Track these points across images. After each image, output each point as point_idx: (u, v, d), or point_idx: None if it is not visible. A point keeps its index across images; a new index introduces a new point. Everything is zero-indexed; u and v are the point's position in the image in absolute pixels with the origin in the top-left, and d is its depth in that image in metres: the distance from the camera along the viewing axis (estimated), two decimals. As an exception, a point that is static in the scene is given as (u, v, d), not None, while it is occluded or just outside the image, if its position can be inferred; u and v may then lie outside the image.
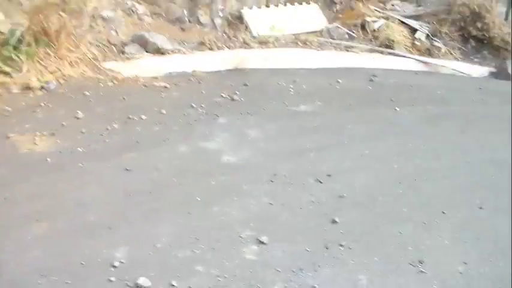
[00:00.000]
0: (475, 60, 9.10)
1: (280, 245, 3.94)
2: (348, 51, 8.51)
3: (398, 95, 6.91)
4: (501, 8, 9.65)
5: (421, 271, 3.88)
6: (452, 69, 8.61)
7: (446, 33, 9.23)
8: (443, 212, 4.63)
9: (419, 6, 9.93)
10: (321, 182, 4.80)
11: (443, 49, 9.10)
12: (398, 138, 5.84)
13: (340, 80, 7.09)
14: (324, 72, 7.36)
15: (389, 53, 8.70)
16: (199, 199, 4.36)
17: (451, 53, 9.05)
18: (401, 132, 6.02)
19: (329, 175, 4.92)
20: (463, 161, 5.67)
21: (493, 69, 8.93)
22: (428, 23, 9.47)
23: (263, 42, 7.94)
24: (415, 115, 6.52)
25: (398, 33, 9.05)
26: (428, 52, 9.00)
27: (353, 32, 9.04)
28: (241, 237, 3.98)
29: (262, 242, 3.93)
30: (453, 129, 6.40)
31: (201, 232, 3.99)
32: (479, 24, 9.06)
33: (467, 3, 9.09)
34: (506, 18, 9.62)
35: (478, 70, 8.88)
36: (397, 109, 6.56)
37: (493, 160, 5.79)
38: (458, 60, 8.99)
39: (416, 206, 4.66)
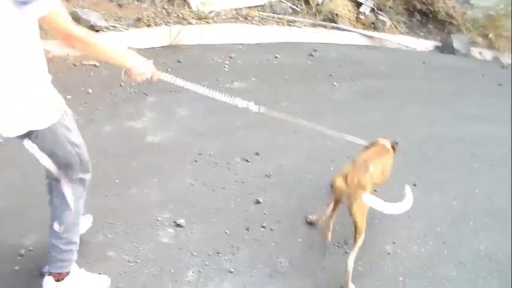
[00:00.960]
0: (421, 34, 9.06)
1: (198, 227, 3.79)
2: (290, 25, 8.31)
3: (338, 70, 6.79)
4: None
5: (346, 252, 3.77)
6: (397, 43, 8.53)
7: (391, 7, 9.15)
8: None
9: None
10: (247, 161, 4.65)
11: (389, 23, 9.01)
12: (335, 114, 5.72)
13: (278, 56, 6.91)
14: (263, 48, 7.16)
15: (333, 28, 8.55)
16: (117, 181, 4.15)
17: (396, 27, 8.98)
18: (338, 108, 5.91)
19: (257, 153, 4.77)
20: (401, 137, 5.58)
21: (438, 44, 8.91)
22: (374, -4, 9.35)
23: (202, 18, 7.68)
24: (354, 90, 6.41)
25: (343, 7, 8.90)
26: (373, 26, 8.89)
27: (297, 6, 8.85)
28: (158, 220, 3.81)
29: (179, 225, 3.77)
30: (393, 104, 6.33)
31: (116, 215, 3.79)
32: (422, -2, 9.00)
33: (414, -24, 9.01)
34: None
35: (423, 44, 8.85)
36: (336, 84, 6.44)
37: (431, 136, 5.75)
38: (403, 34, 8.93)
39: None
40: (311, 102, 5.91)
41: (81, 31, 2.32)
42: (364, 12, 9.02)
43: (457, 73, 7.79)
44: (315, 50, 7.30)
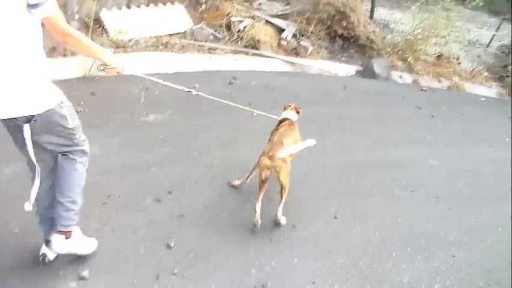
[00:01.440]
0: (342, 59, 9.11)
1: (104, 278, 3.48)
2: (211, 53, 8.18)
3: (258, 98, 6.65)
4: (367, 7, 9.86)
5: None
6: (319, 68, 8.52)
7: (312, 33, 9.17)
8: (293, 226, 4.37)
9: (287, 5, 9.82)
10: (159, 201, 4.36)
11: (311, 48, 9.02)
12: (253, 145, 5.53)
13: (197, 85, 6.69)
14: (181, 77, 6.90)
15: (254, 54, 8.49)
16: (16, 231, 3.78)
17: (318, 53, 8.99)
18: (257, 139, 5.71)
19: (170, 192, 4.49)
20: (321, 165, 5.49)
21: (359, 68, 8.97)
22: (296, 22, 9.35)
23: (121, 46, 7.40)
24: (274, 119, 6.26)
25: (265, 33, 8.86)
26: (295, 52, 8.88)
27: (219, 33, 8.74)
28: (59, 273, 3.47)
29: (82, 278, 3.43)
30: (313, 131, 6.19)
31: (14, 269, 3.43)
32: (344, 23, 9.06)
33: (332, 2, 9.05)
34: (371, 17, 9.75)
35: (345, 69, 8.90)
36: (255, 114, 6.27)
37: (352, 163, 5.68)
38: (325, 59, 8.95)
39: (265, 220, 4.36)
40: (228, 133, 5.72)
41: (73, 30, 2.82)
42: (286, 38, 8.99)
43: (378, 97, 7.83)
44: (235, 78, 7.16)
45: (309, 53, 9.01)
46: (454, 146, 6.71)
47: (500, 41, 10.22)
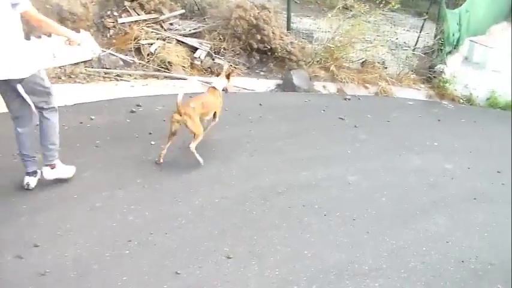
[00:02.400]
0: (261, 74, 8.51)
1: None
2: (117, 80, 7.47)
3: (160, 126, 5.95)
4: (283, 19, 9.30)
5: None
6: (235, 86, 7.87)
7: (227, 49, 8.55)
8: (176, 273, 3.69)
9: (200, 22, 9.20)
10: (21, 258, 3.64)
11: (226, 66, 8.37)
12: (144, 180, 4.86)
13: (93, 117, 6.01)
14: (79, 109, 6.21)
15: (166, 77, 7.82)
16: None
17: (235, 69, 8.34)
18: (150, 173, 5.04)
19: (36, 245, 3.79)
20: (219, 196, 4.84)
21: (279, 82, 8.38)
22: (210, 39, 8.72)
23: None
24: (175, 146, 5.59)
25: (176, 54, 8.20)
26: (210, 71, 8.23)
27: (128, 58, 8.04)
28: None
29: None
30: (218, 157, 5.58)
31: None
32: (259, 37, 8.46)
33: (244, 16, 8.46)
34: (288, 28, 9.20)
35: (265, 84, 8.30)
36: (153, 143, 5.59)
37: (258, 189, 5.05)
38: (242, 76, 8.32)
39: (146, 269, 3.67)
40: (118, 170, 5.00)
41: (44, 17, 4.12)
42: (200, 57, 8.35)
43: (297, 111, 7.24)
44: (139, 106, 6.48)
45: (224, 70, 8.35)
46: (377, 158, 6.15)
47: (427, 42, 9.80)
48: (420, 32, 10.02)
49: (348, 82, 8.56)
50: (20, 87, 4.00)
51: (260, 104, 7.25)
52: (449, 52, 10.39)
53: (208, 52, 8.51)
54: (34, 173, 4.44)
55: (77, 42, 4.35)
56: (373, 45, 9.00)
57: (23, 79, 3.94)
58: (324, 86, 8.49)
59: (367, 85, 8.75)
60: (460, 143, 7.03)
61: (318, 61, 8.75)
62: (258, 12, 8.60)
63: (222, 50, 8.55)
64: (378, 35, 9.63)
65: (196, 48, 8.53)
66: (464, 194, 5.66)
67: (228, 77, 5.83)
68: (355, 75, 8.73)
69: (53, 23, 4.25)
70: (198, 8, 9.75)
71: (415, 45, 10.04)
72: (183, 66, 8.11)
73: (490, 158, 6.70)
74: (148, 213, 4.43)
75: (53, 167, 4.46)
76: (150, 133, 5.82)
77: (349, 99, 8.12)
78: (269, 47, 8.58)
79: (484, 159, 6.63)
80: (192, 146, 5.15)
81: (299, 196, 4.98)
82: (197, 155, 5.15)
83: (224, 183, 5.02)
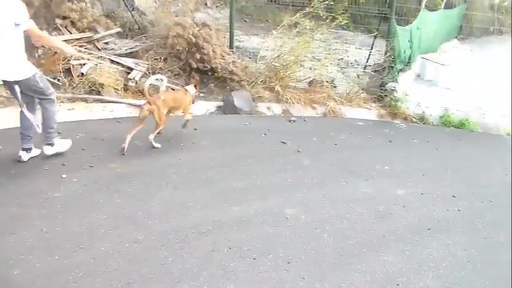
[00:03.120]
0: (201, 95, 7.74)
1: None
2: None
3: (78, 155, 5.31)
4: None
5: None
6: (170, 110, 7.11)
7: (162, 69, 7.79)
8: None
9: (137, 41, 8.44)
10: None
11: (164, 87, 7.58)
12: (45, 222, 4.05)
13: (1, 146, 5.16)
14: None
15: (96, 100, 7.00)
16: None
17: (173, 90, 7.57)
18: (54, 212, 4.22)
19: None
20: (127, 240, 4.03)
21: (220, 103, 7.64)
22: (147, 59, 7.96)
23: None
24: (89, 180, 4.81)
25: (109, 76, 7.39)
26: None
27: (58, 80, 7.21)
28: None
29: None
30: (138, 193, 4.79)
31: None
32: (198, 56, 7.73)
33: (182, 34, 7.73)
34: (230, 47, 8.51)
35: (205, 106, 7.54)
36: (64, 176, 4.78)
37: (177, 230, 4.28)
38: (179, 98, 7.53)
39: None
40: (18, 208, 4.17)
41: (43, 33, 5.30)
42: (135, 78, 7.56)
43: (235, 135, 6.52)
44: (59, 133, 5.63)
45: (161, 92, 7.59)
46: (320, 187, 5.42)
47: (378, 60, 9.22)
48: (371, 49, 9.45)
49: (294, 103, 7.88)
50: (17, 87, 4.86)
51: (195, 129, 6.50)
52: (401, 69, 9.87)
53: (145, 73, 7.74)
54: (28, 150, 5.19)
55: (70, 54, 5.94)
56: (322, 64, 8.33)
57: (18, 81, 4.81)
58: (268, 108, 7.78)
59: (315, 105, 8.08)
60: (413, 166, 6.39)
61: (262, 81, 8.06)
62: (198, 30, 7.90)
63: (159, 70, 7.77)
64: (327, 53, 9.04)
65: (132, 69, 7.75)
66: (417, 224, 4.97)
67: (196, 87, 6.44)
68: (301, 95, 8.04)
69: (52, 38, 5.72)
70: (139, 27, 9.03)
71: (366, 62, 9.46)
72: (116, 89, 7.31)
73: (445, 181, 6.06)
74: (40, 265, 3.60)
75: (52, 145, 5.24)
76: (64, 164, 5.02)
77: (294, 121, 7.43)
78: (209, 67, 7.86)
79: (439, 183, 5.98)
80: (151, 136, 5.69)
81: (226, 236, 4.20)
82: (154, 143, 5.71)
83: (139, 223, 4.22)
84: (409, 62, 10.08)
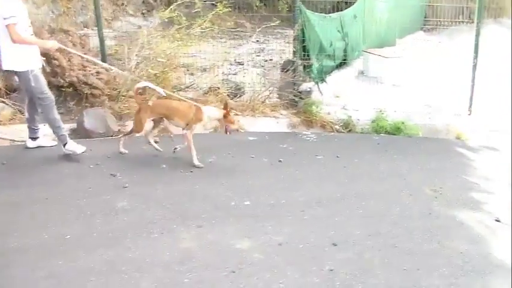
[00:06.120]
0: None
1: None
2: None
3: None
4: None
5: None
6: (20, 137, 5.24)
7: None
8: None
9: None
10: None
11: (8, 111, 5.71)
12: None
13: None
14: None
15: None
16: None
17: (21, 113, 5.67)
18: None
19: None
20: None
21: (75, 125, 5.68)
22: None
23: None
24: None
25: None
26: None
27: None
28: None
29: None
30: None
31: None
32: (48, 69, 5.74)
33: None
34: (102, 55, 6.47)
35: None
36: None
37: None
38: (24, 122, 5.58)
39: None
40: None
41: (20, 36, 4.56)
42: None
43: (51, 171, 4.51)
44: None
45: (8, 116, 5.71)
46: (113, 245, 3.38)
47: (287, 57, 7.08)
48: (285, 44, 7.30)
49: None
50: (17, 78, 4.85)
51: (3, 163, 4.54)
52: (338, 66, 7.77)
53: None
54: (34, 139, 5.11)
55: (51, 47, 4.94)
56: (212, 66, 6.26)
57: (16, 71, 4.68)
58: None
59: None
60: (290, 198, 4.31)
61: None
62: (49, 37, 5.93)
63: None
64: (225, 52, 7.00)
65: None
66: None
67: (226, 109, 4.96)
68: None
69: (30, 37, 4.77)
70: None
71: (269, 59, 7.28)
72: None
73: (327, 222, 3.96)
74: None
75: (64, 144, 4.90)
76: None
77: (157, 142, 5.36)
78: (65, 81, 5.89)
79: (314, 226, 3.88)
80: (123, 138, 5.11)
81: None
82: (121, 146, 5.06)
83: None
84: (345, 57, 7.90)
